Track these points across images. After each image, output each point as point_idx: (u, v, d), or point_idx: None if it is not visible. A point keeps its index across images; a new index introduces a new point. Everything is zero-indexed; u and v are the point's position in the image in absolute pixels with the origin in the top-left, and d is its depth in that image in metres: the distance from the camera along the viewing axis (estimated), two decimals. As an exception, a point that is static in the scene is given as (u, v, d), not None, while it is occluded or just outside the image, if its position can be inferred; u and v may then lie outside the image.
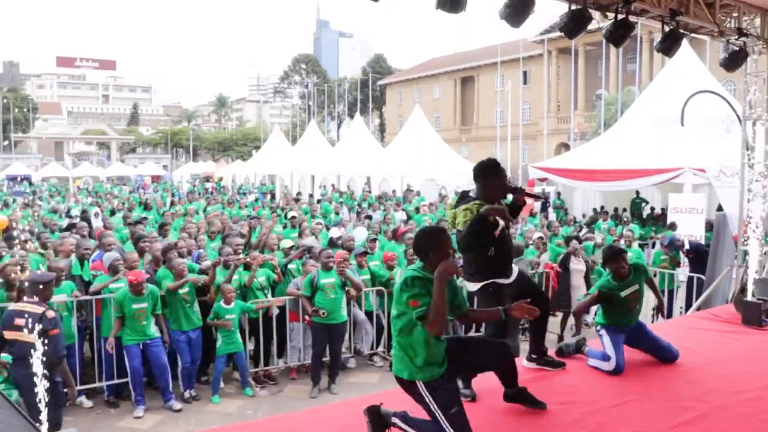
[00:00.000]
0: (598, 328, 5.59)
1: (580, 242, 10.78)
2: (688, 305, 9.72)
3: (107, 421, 7.25)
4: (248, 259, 8.53)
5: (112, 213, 17.13)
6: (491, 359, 4.15)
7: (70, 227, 11.44)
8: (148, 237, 9.84)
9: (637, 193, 19.59)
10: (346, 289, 8.30)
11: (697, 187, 15.10)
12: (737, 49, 8.16)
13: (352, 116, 46.84)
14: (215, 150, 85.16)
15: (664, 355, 5.51)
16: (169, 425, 6.39)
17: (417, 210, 17.97)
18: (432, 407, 3.72)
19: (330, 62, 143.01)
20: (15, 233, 10.03)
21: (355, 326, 8.88)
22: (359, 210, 18.67)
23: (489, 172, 4.74)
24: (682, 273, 10.89)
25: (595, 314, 5.79)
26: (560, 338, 9.79)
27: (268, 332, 8.44)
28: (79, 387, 7.32)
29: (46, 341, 5.06)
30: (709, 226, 12.87)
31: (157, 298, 7.63)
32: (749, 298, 7.48)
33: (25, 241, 9.23)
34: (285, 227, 13.01)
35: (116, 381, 7.72)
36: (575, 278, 10.12)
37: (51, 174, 50.34)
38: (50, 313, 5.62)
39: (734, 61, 8.24)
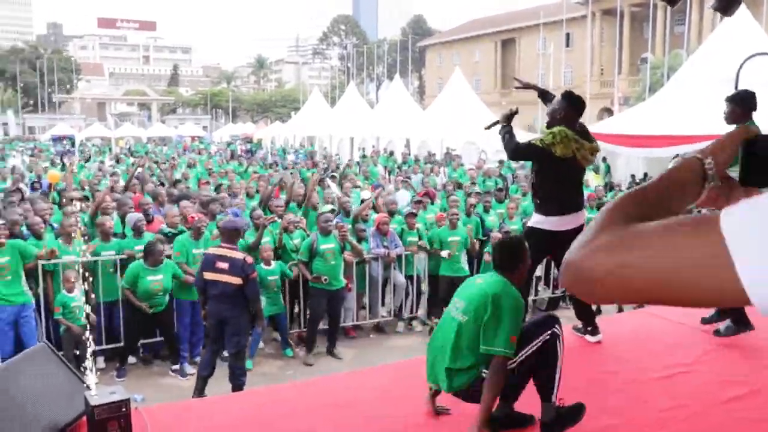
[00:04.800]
0: None
1: None
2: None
3: (150, 378, 7.38)
4: (276, 219, 8.52)
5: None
6: None
7: (126, 187, 11.64)
8: (193, 196, 9.94)
9: (683, 159, 19.12)
10: (345, 253, 8.18)
11: (747, 154, 14.65)
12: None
13: (391, 78, 46.43)
14: (254, 111, 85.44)
15: None
16: (211, 384, 6.45)
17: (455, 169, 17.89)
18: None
19: (369, 23, 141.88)
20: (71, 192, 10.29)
21: (395, 289, 8.86)
22: (399, 173, 18.57)
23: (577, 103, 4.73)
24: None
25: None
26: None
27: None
28: (107, 345, 7.46)
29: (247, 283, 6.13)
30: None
31: None
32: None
33: (73, 200, 9.40)
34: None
35: (155, 339, 7.84)
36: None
37: (94, 134, 50.90)
38: (249, 259, 6.32)
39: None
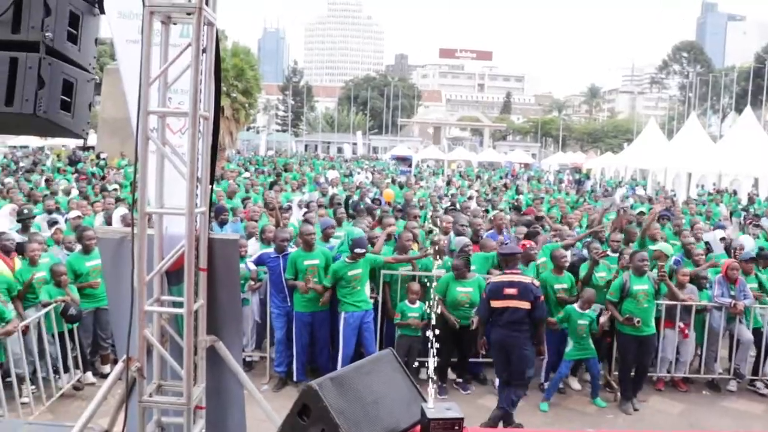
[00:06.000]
0: None
1: None
2: None
3: (467, 397, 7.55)
4: (608, 253, 8.19)
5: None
6: None
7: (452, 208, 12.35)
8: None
9: None
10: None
11: None
12: None
13: (738, 110, 42.36)
14: (584, 141, 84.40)
15: None
16: (522, 413, 6.35)
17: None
18: None
19: (715, 49, 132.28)
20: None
21: (738, 345, 7.93)
22: (746, 215, 16.77)
23: None
24: None
25: None
26: None
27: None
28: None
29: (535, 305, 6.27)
30: None
31: None
32: None
33: (415, 217, 10.17)
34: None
35: (480, 360, 7.88)
36: None
37: (429, 156, 54.39)
38: (536, 282, 6.58)
39: None
